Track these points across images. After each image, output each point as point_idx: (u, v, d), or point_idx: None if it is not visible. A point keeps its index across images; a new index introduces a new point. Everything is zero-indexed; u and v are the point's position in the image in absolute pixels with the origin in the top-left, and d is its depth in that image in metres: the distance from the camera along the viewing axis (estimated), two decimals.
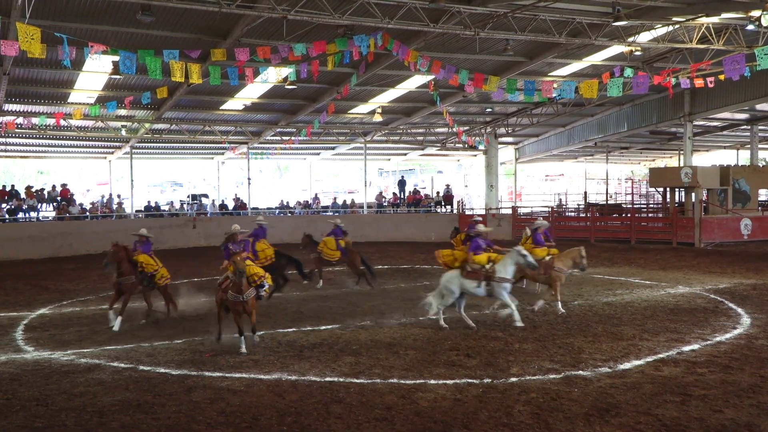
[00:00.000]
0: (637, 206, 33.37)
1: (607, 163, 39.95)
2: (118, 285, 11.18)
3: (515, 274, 11.04)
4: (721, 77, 17.66)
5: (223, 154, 33.29)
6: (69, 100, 22.40)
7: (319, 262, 15.32)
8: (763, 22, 16.25)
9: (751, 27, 17.13)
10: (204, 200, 34.18)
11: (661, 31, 18.13)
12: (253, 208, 30.93)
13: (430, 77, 20.86)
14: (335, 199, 34.87)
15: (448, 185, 33.87)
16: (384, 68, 20.26)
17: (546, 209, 31.03)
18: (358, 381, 7.90)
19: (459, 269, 10.82)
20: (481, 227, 11.75)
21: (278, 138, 29.18)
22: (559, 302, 11.96)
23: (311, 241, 15.79)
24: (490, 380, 7.84)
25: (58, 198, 27.47)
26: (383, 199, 33.54)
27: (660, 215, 30.25)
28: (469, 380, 7.85)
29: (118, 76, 18.96)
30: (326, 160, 38.61)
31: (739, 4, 16.56)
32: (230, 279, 9.47)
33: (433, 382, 7.83)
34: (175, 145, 30.58)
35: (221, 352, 9.36)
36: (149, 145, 30.16)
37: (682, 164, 28.69)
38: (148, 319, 11.61)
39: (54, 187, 28.26)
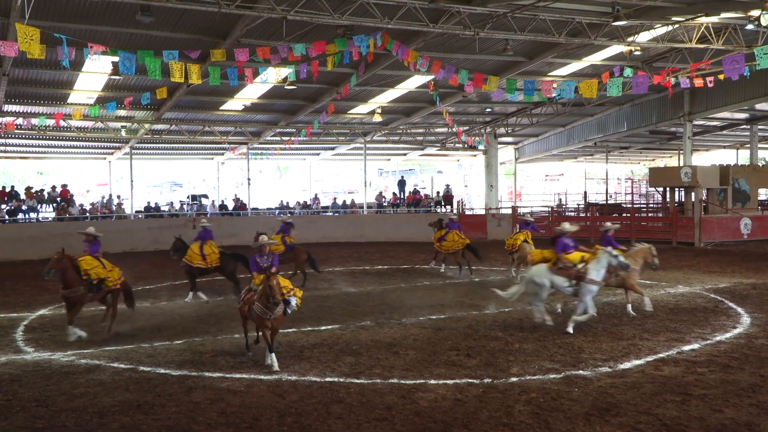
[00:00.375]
0: (637, 206, 33.38)
1: (606, 162, 39.96)
2: (65, 298, 10.46)
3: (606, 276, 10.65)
4: (721, 77, 17.66)
5: (222, 154, 33.28)
6: (68, 101, 22.38)
7: None
8: (763, 22, 16.24)
9: (750, 27, 17.13)
10: (204, 201, 34.16)
11: (660, 30, 18.13)
12: (253, 209, 30.94)
13: (430, 77, 20.85)
14: (335, 199, 34.85)
15: (447, 185, 33.86)
16: (384, 68, 20.25)
17: (546, 209, 31.03)
18: (358, 381, 7.90)
19: (548, 264, 10.64)
20: (566, 225, 11.32)
21: (278, 138, 29.17)
22: (646, 298, 11.76)
23: None
24: (490, 380, 7.84)
25: (58, 199, 27.46)
26: (383, 199, 33.53)
27: (660, 215, 30.27)
28: (470, 380, 7.85)
29: (117, 77, 18.94)
30: (326, 161, 38.61)
31: (738, 4, 16.57)
32: (253, 291, 8.95)
33: (433, 382, 7.84)
34: (174, 145, 30.56)
35: (221, 353, 9.36)
36: (149, 145, 30.14)
37: (681, 164, 28.69)
38: (109, 329, 10.70)
39: (54, 187, 28.25)
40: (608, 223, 13.21)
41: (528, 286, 10.76)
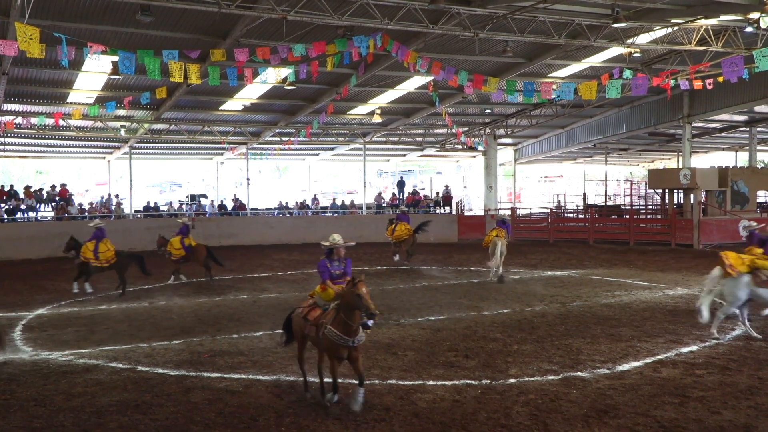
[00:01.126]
0: (636, 208, 33.39)
1: (605, 164, 39.97)
2: None
3: None
4: (720, 79, 17.66)
5: (222, 154, 33.26)
6: (68, 100, 22.36)
7: (172, 262, 16.69)
8: (762, 25, 16.27)
9: (749, 29, 17.14)
10: (203, 201, 34.13)
11: (660, 32, 18.14)
12: (252, 209, 30.93)
13: (430, 78, 20.84)
14: (334, 199, 34.86)
15: (447, 186, 33.86)
16: (383, 69, 20.25)
17: (545, 210, 31.05)
18: (356, 382, 7.88)
19: (749, 274, 9.84)
20: (752, 223, 10.44)
21: (277, 138, 29.16)
22: None
23: (165, 241, 17.10)
24: (488, 381, 7.84)
25: (57, 198, 27.45)
26: (382, 200, 33.53)
27: (659, 217, 30.29)
28: (468, 381, 7.85)
29: (117, 77, 18.93)
30: (325, 161, 38.58)
31: (737, 6, 16.58)
32: (321, 307, 7.18)
33: (431, 383, 7.83)
34: (174, 145, 30.53)
35: (219, 353, 9.35)
36: (148, 145, 30.11)
37: (680, 166, 28.70)
38: None
39: (53, 186, 28.24)
40: (745, 221, 11.98)
41: (725, 296, 10.05)
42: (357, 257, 21.91)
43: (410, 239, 19.24)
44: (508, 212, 30.13)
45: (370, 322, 6.86)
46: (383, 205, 32.87)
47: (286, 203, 33.50)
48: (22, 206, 26.17)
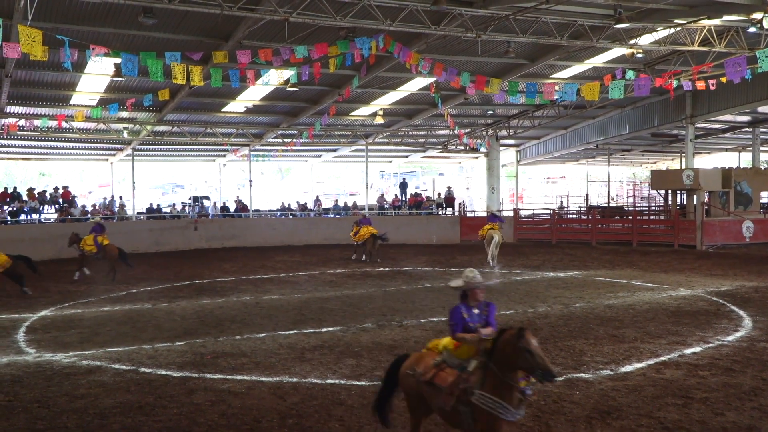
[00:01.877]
0: (639, 209, 33.34)
1: (608, 165, 39.90)
2: None
3: None
4: (723, 79, 17.65)
5: (224, 156, 33.29)
6: (71, 103, 22.39)
7: (82, 258, 17.65)
8: (765, 25, 16.23)
9: (752, 29, 17.10)
10: (205, 202, 34.16)
11: (662, 33, 18.12)
12: (255, 210, 30.95)
13: (432, 79, 20.83)
14: (336, 201, 34.87)
15: (449, 187, 33.84)
16: (385, 70, 20.26)
17: (548, 211, 31.02)
18: (359, 383, 7.89)
19: None
20: None
21: (280, 140, 29.17)
22: None
23: (78, 238, 17.90)
24: None
25: (60, 200, 27.51)
26: (384, 201, 33.52)
27: (662, 218, 30.25)
28: None
29: (119, 79, 18.97)
30: (328, 162, 38.58)
31: (740, 7, 16.54)
32: (454, 367, 5.25)
33: None
34: (176, 147, 30.54)
35: (222, 354, 9.36)
36: (151, 147, 30.14)
37: (683, 166, 28.66)
38: None
39: (56, 188, 28.30)
40: None
41: None
42: (360, 258, 21.91)
43: (371, 240, 20.86)
44: (511, 213, 30.12)
45: (529, 391, 5.00)
46: (386, 206, 32.87)
47: (289, 205, 33.53)
48: (26, 208, 26.23)
